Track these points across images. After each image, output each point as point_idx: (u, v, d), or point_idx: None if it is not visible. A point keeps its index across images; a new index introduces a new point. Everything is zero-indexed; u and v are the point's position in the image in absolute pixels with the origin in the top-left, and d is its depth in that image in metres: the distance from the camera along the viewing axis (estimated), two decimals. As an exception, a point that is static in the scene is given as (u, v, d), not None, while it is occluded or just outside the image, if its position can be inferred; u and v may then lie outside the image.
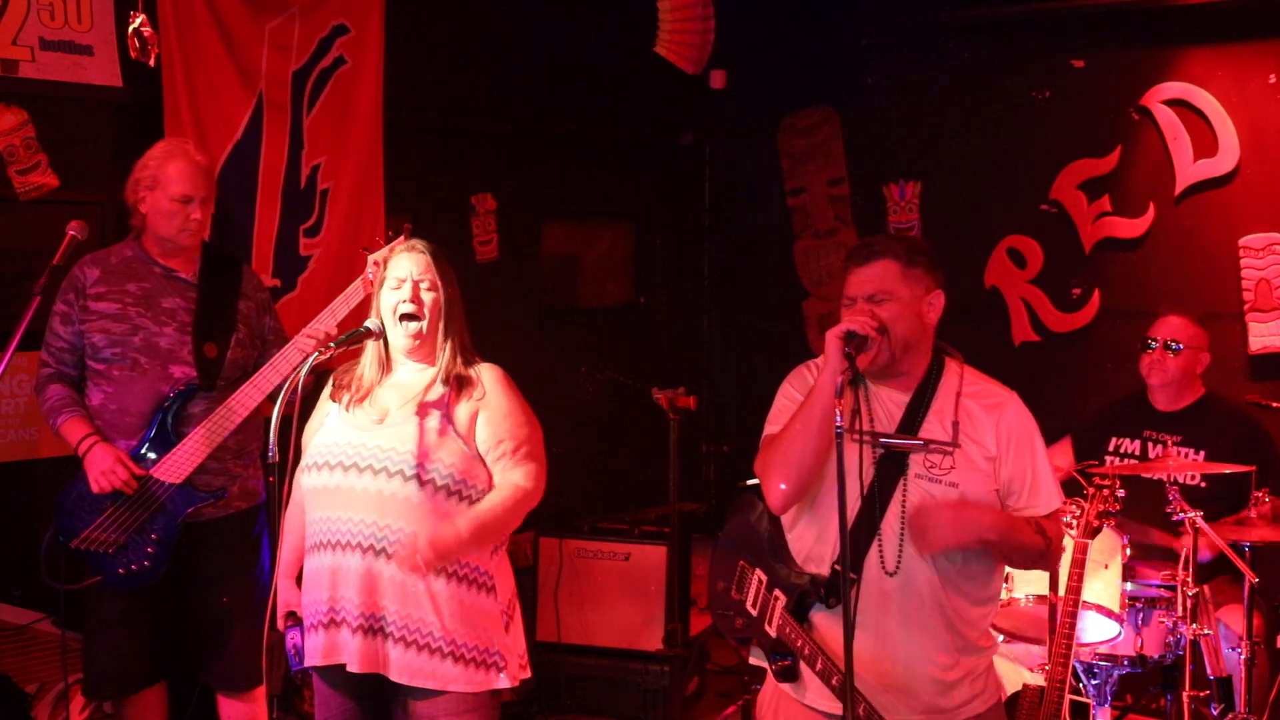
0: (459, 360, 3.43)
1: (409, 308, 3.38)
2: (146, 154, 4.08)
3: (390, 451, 3.29)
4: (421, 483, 3.27)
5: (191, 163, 4.04)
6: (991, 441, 3.03)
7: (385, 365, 3.45)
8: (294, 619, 3.41)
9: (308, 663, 3.38)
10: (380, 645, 3.28)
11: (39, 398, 4.04)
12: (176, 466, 3.95)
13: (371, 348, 3.45)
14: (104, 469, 3.88)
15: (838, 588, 3.00)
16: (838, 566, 3.00)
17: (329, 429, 3.42)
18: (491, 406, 3.39)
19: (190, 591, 4.09)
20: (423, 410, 3.34)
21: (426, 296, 3.40)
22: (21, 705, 4.48)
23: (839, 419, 2.80)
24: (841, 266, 3.13)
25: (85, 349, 4.00)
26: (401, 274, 3.41)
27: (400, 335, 3.40)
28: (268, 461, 3.11)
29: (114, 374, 3.99)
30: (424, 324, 3.39)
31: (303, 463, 3.41)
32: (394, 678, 3.29)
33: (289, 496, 3.44)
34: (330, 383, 3.50)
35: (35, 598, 4.64)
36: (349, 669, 3.30)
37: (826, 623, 3.05)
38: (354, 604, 3.28)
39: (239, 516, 4.13)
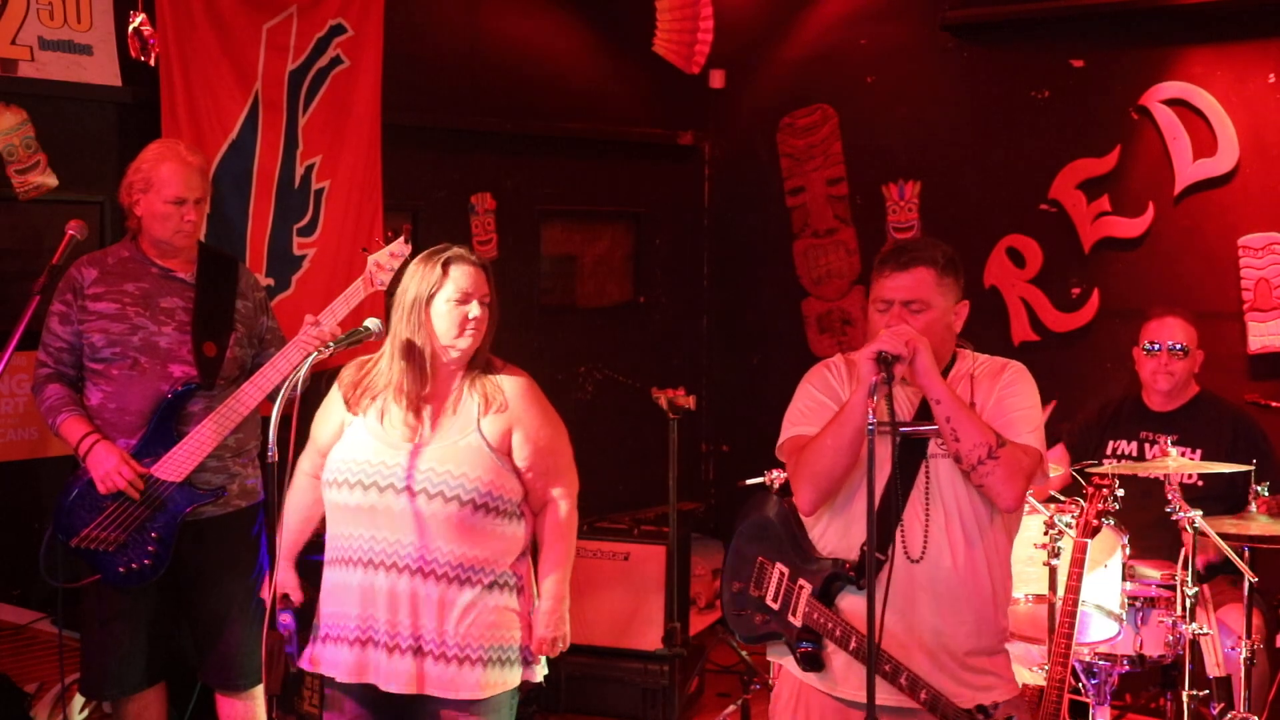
0: (487, 372, 3.38)
1: (475, 328, 3.28)
2: (140, 156, 4.07)
3: (428, 473, 3.24)
4: (464, 503, 3.25)
5: (184, 164, 4.02)
6: (993, 399, 3.08)
7: (422, 379, 3.32)
8: (286, 601, 3.39)
9: (333, 675, 3.35)
10: (419, 664, 3.26)
11: (36, 398, 4.04)
12: (177, 465, 3.95)
13: (400, 360, 3.30)
14: (108, 470, 3.88)
15: (866, 568, 3.02)
16: (866, 548, 3.02)
17: (356, 443, 3.32)
18: (524, 422, 3.35)
19: (189, 591, 4.09)
20: (457, 427, 3.30)
21: (486, 313, 3.33)
22: (21, 705, 4.48)
23: (872, 418, 2.82)
24: (875, 265, 3.14)
25: (84, 349, 4.00)
26: (468, 288, 3.28)
27: (456, 350, 3.30)
28: (266, 462, 3.10)
29: (113, 373, 3.98)
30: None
31: (329, 476, 3.34)
32: (436, 694, 3.27)
33: (287, 497, 3.44)
34: (341, 381, 3.37)
35: (35, 598, 4.64)
36: (382, 689, 3.27)
37: (855, 606, 3.06)
38: (390, 624, 3.26)
39: (238, 515, 4.13)
